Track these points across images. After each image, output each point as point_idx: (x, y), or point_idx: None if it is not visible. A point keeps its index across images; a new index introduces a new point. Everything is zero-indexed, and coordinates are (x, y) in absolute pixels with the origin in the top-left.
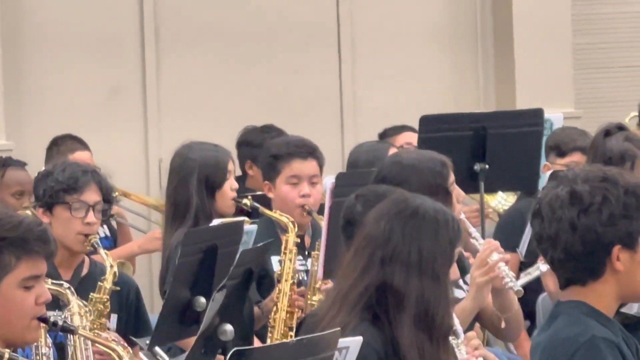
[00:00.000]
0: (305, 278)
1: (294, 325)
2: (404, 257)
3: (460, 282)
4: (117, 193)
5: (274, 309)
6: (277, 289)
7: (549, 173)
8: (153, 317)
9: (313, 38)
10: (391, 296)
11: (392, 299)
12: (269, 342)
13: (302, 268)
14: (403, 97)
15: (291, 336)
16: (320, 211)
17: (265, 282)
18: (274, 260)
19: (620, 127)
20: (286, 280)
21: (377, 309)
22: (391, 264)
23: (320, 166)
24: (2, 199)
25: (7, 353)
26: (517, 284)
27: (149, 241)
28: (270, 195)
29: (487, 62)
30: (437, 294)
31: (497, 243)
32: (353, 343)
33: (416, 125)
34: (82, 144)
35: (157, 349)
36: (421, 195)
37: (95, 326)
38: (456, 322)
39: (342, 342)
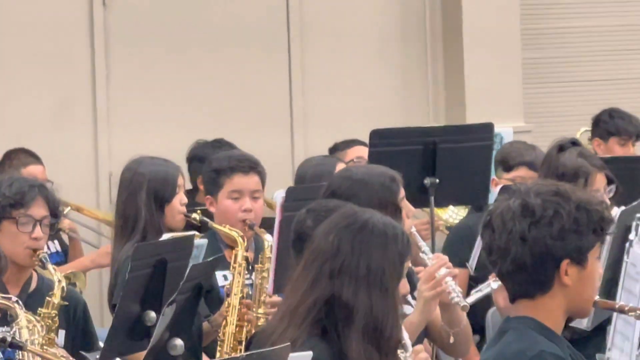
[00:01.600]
0: (251, 292)
1: (244, 339)
2: (353, 270)
3: (409, 297)
4: (69, 207)
5: (224, 322)
6: (227, 302)
7: (498, 188)
8: (103, 330)
9: (263, 51)
10: (340, 309)
11: (340, 313)
12: (218, 355)
13: (247, 282)
14: (353, 111)
15: (240, 350)
16: (262, 226)
17: (211, 296)
18: (218, 275)
19: (574, 143)
20: (235, 294)
21: (325, 322)
22: (340, 277)
23: (262, 181)
24: None
25: None
26: (462, 300)
27: (101, 256)
28: (212, 209)
29: (437, 76)
30: (385, 307)
31: (446, 258)
32: (303, 358)
33: (366, 139)
34: (35, 158)
35: None
36: (371, 209)
37: (44, 341)
38: (405, 335)
39: (292, 357)
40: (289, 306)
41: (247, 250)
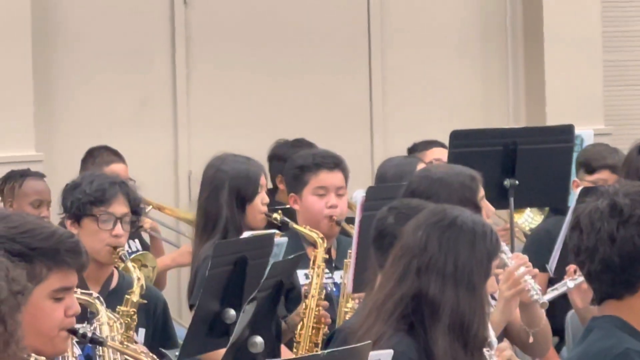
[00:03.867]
0: (335, 290)
1: (320, 342)
2: (440, 267)
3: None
4: (150, 206)
5: (300, 324)
6: (304, 304)
7: (578, 190)
8: (181, 329)
9: (344, 51)
10: (426, 306)
11: (427, 309)
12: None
13: (329, 281)
14: (432, 112)
15: (316, 352)
16: (346, 222)
17: (292, 295)
18: (300, 274)
19: None
20: (313, 296)
21: (412, 318)
22: (427, 274)
23: (346, 178)
24: (20, 208)
25: None
26: (541, 297)
27: (182, 255)
28: (296, 207)
29: (517, 78)
30: (472, 305)
31: (525, 257)
32: (384, 356)
33: (445, 140)
34: (118, 156)
35: None
36: (460, 207)
37: (122, 339)
38: (491, 333)
39: (373, 355)
40: (375, 302)
41: (329, 249)
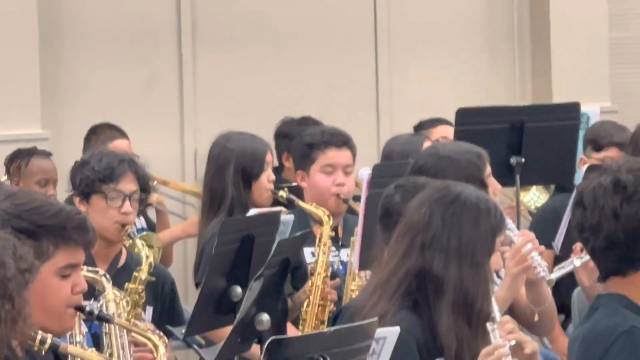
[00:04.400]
0: (341, 269)
1: (326, 319)
2: (444, 243)
3: (494, 275)
4: (155, 181)
5: (306, 302)
6: (310, 282)
7: (585, 167)
8: (187, 307)
9: (350, 30)
10: (430, 282)
11: (431, 285)
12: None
13: (336, 259)
14: (439, 89)
15: (322, 329)
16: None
17: (299, 273)
18: (307, 252)
19: None
20: (319, 274)
21: (416, 295)
22: (430, 250)
23: (354, 156)
24: (26, 187)
25: (49, 338)
26: (548, 274)
27: (192, 225)
28: (303, 184)
29: (524, 55)
30: (476, 281)
31: (532, 234)
32: (390, 333)
33: (452, 118)
34: (120, 133)
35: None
36: (464, 183)
37: (130, 316)
38: (495, 309)
39: (380, 332)
40: (380, 279)
41: (337, 227)
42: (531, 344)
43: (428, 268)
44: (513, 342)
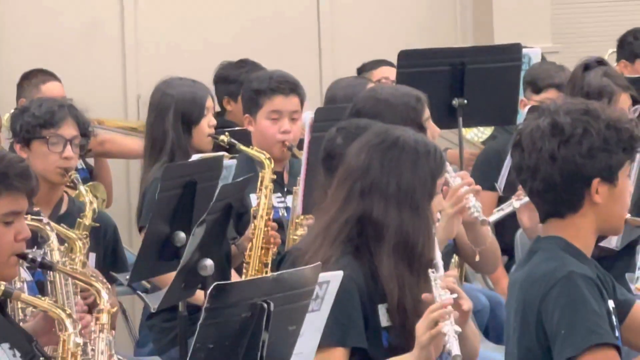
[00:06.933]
0: (286, 215)
1: (269, 262)
2: (383, 188)
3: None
4: (93, 123)
5: (249, 245)
6: (253, 225)
7: (526, 109)
8: (132, 252)
9: None
10: (371, 227)
11: (371, 231)
12: (244, 277)
13: (281, 205)
14: (381, 31)
15: (266, 272)
16: (299, 147)
17: (244, 219)
18: (253, 197)
19: (600, 62)
20: (262, 217)
21: (358, 241)
22: (370, 196)
23: (302, 102)
24: None
25: (2, 285)
26: (481, 215)
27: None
28: (250, 128)
29: None
30: (416, 225)
31: (467, 174)
32: (333, 277)
33: (394, 60)
34: (53, 76)
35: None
36: (404, 127)
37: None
38: (437, 255)
39: (323, 276)
40: (321, 225)
41: (282, 173)
42: (468, 301)
43: (368, 214)
44: (455, 295)
